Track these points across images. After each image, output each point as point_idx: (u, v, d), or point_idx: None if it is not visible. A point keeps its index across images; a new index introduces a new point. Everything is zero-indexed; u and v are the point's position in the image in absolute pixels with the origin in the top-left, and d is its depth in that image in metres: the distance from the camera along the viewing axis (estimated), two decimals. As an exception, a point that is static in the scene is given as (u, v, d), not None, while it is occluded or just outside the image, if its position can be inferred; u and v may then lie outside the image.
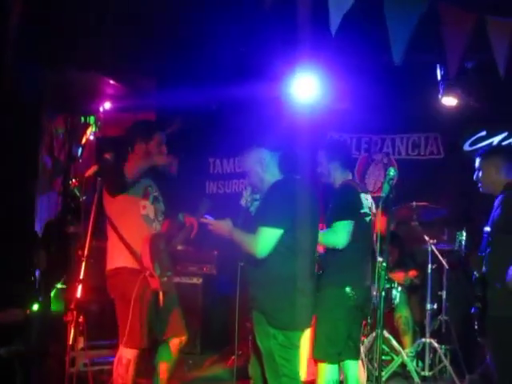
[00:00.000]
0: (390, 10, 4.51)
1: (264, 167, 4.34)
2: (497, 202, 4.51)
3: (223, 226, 4.22)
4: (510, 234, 4.32)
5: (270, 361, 4.10)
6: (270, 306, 4.11)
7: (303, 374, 5.94)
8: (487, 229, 4.53)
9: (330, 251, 4.60)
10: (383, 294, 4.31)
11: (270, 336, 4.08)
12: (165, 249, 4.74)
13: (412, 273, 6.99)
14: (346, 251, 4.55)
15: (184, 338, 4.84)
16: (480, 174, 4.67)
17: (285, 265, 4.11)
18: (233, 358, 6.22)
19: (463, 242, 6.07)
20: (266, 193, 4.29)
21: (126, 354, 4.60)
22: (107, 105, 8.71)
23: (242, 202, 4.73)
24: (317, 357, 4.64)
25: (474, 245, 5.20)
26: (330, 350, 4.59)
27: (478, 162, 4.71)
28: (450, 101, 7.00)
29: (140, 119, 6.51)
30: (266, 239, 4.06)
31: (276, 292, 4.10)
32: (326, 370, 4.58)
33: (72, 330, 4.12)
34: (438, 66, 6.87)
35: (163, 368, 4.81)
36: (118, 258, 4.67)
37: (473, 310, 4.55)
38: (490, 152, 4.83)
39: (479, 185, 4.71)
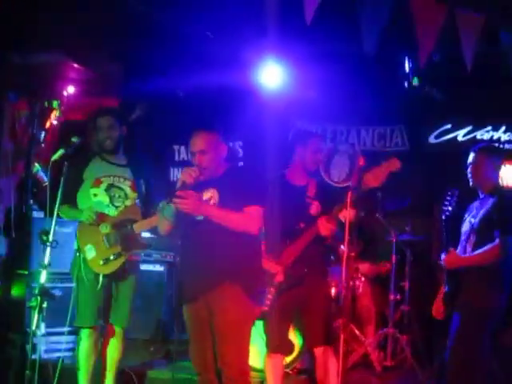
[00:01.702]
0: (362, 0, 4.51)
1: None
2: (491, 201, 4.67)
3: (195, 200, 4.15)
4: (505, 235, 4.48)
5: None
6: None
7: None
8: (472, 220, 4.67)
9: None
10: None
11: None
12: (110, 233, 4.99)
13: (386, 266, 7.00)
14: None
15: (122, 331, 5.15)
16: (476, 168, 4.78)
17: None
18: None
19: None
20: (238, 176, 4.33)
21: (80, 334, 5.07)
22: (71, 89, 8.58)
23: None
24: None
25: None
26: None
27: (476, 156, 4.81)
28: (417, 93, 7.04)
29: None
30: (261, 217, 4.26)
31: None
32: None
33: (36, 316, 4.04)
34: (406, 57, 6.91)
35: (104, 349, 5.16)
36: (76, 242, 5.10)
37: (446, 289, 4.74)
38: (492, 150, 5.01)
39: (472, 179, 4.81)
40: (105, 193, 5.11)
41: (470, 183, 4.85)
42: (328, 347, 4.87)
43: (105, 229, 5.01)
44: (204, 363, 4.32)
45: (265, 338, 5.07)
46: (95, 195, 5.10)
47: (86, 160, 5.17)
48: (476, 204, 4.88)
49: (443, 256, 4.72)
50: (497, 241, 4.52)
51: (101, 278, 4.97)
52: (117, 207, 5.12)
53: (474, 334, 4.62)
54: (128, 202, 5.14)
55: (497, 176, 4.83)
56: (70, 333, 5.30)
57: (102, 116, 5.15)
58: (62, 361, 5.12)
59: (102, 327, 5.13)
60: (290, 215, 4.83)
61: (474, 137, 7.54)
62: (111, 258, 4.98)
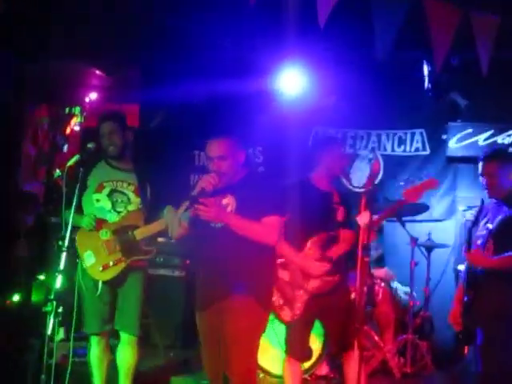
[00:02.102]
0: (377, 5, 4.49)
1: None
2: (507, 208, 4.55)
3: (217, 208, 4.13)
4: None
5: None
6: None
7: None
8: (489, 226, 4.60)
9: None
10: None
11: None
12: (110, 239, 4.96)
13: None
14: None
15: (133, 338, 5.05)
16: (493, 179, 4.61)
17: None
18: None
19: None
20: (256, 184, 4.30)
21: (90, 340, 5.08)
22: (93, 95, 8.66)
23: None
24: None
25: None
26: None
27: (491, 166, 4.64)
28: (436, 97, 7.00)
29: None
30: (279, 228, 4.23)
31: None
32: None
33: (51, 321, 4.07)
34: (424, 62, 6.88)
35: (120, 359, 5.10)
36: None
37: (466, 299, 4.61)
38: (506, 157, 4.78)
39: (489, 190, 4.66)
40: (107, 198, 5.06)
41: (488, 195, 4.71)
42: (353, 353, 4.83)
43: (105, 235, 4.97)
44: (215, 371, 4.33)
45: (284, 344, 5.04)
46: (98, 200, 5.05)
47: (90, 165, 5.10)
48: (490, 206, 4.76)
49: (467, 254, 4.58)
50: None
51: (100, 285, 4.94)
52: (119, 212, 5.05)
53: (505, 348, 4.46)
54: (131, 207, 5.07)
55: (510, 181, 4.65)
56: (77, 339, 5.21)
57: (103, 122, 5.09)
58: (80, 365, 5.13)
59: (110, 332, 5.13)
60: (318, 220, 4.82)
61: (495, 141, 7.47)
62: (110, 264, 4.95)
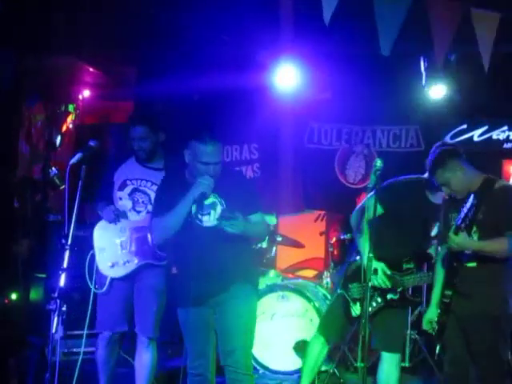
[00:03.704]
0: (379, 1, 4.51)
1: None
2: (471, 198, 4.16)
3: None
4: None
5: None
6: None
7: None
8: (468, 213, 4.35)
9: None
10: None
11: None
12: (126, 237, 4.89)
13: None
14: None
15: (149, 341, 4.94)
16: (449, 186, 4.30)
17: None
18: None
19: None
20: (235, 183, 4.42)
21: (98, 340, 4.98)
22: (86, 93, 8.64)
23: None
24: None
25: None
26: None
27: (438, 177, 4.31)
28: (434, 93, 7.02)
29: None
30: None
31: None
32: None
33: (55, 319, 4.06)
34: (421, 57, 6.89)
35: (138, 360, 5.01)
36: None
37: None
38: (444, 160, 4.34)
39: (455, 195, 4.34)
40: (128, 197, 4.96)
41: (458, 198, 4.35)
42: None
43: (122, 232, 4.91)
44: (206, 364, 4.39)
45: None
46: (120, 199, 4.97)
47: (119, 161, 5.03)
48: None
49: (453, 236, 4.19)
50: (506, 238, 4.19)
51: (107, 281, 4.87)
52: (139, 212, 4.95)
53: (499, 346, 4.30)
54: (151, 208, 4.84)
55: (470, 173, 4.34)
56: (89, 336, 5.19)
57: (134, 125, 4.93)
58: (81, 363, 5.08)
59: (122, 335, 5.05)
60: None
61: (490, 137, 7.50)
62: (120, 262, 4.88)
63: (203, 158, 4.22)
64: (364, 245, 4.70)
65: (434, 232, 4.78)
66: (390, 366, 4.87)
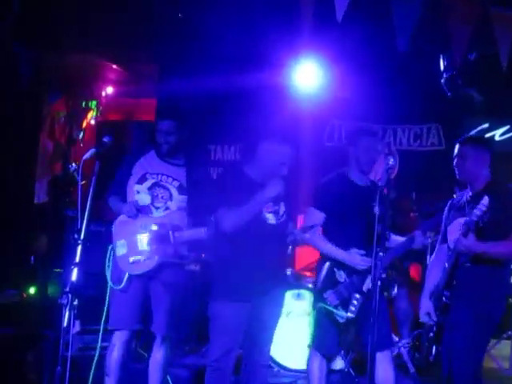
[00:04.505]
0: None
1: None
2: (486, 201, 4.15)
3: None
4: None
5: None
6: None
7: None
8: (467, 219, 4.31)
9: None
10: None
11: None
12: (147, 233, 4.75)
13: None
14: None
15: (160, 338, 4.86)
16: (465, 162, 4.38)
17: None
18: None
19: None
20: None
21: (113, 339, 4.82)
22: (110, 89, 8.70)
23: None
24: None
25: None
26: None
27: (464, 148, 4.43)
28: (453, 92, 6.97)
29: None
30: None
31: None
32: None
33: (67, 313, 4.08)
34: (441, 56, 6.84)
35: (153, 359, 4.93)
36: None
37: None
38: (482, 142, 4.59)
39: (457, 170, 4.43)
40: (147, 191, 4.83)
41: (458, 177, 4.47)
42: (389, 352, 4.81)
43: (143, 229, 4.78)
44: (231, 361, 4.47)
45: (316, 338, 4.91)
46: (138, 192, 4.84)
47: (139, 153, 4.94)
48: (465, 200, 4.50)
49: (462, 239, 4.21)
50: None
51: (125, 277, 4.74)
52: (157, 208, 4.83)
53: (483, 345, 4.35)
54: (171, 204, 4.84)
55: (486, 172, 4.40)
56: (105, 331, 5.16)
57: (162, 119, 4.88)
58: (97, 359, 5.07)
59: (136, 336, 5.05)
60: (356, 217, 4.66)
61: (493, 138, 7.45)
62: (141, 259, 4.75)
63: (281, 158, 4.38)
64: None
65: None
66: (388, 364, 4.69)
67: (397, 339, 6.48)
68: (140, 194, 4.84)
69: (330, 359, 4.94)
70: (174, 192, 4.85)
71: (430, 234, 4.91)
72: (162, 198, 4.85)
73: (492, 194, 4.20)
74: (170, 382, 5.16)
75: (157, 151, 4.92)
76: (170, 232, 4.71)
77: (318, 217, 4.68)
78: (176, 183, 4.86)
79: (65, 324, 4.08)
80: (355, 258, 4.59)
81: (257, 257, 4.35)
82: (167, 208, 4.84)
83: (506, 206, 4.24)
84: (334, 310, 4.61)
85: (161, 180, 4.86)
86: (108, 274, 4.83)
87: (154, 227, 4.73)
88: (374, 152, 4.81)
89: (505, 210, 4.23)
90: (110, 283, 4.81)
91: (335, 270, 4.66)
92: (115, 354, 4.81)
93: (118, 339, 4.81)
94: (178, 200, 4.85)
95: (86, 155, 4.36)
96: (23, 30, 6.03)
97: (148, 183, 4.85)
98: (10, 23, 5.67)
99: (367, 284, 4.58)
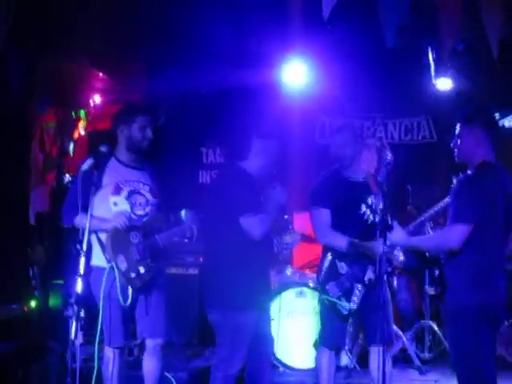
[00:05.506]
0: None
1: None
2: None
3: None
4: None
5: None
6: None
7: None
8: None
9: None
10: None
11: None
12: (139, 242, 4.64)
13: None
14: None
15: (159, 341, 4.74)
16: (459, 141, 4.13)
17: None
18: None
19: None
20: None
21: (107, 352, 4.65)
22: (97, 98, 8.64)
23: None
24: None
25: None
26: None
27: (458, 127, 4.15)
28: (443, 83, 6.99)
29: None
30: None
31: None
32: None
33: (73, 325, 4.06)
34: (429, 48, 6.86)
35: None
36: (93, 256, 4.66)
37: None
38: (473, 118, 4.13)
39: (455, 154, 4.16)
40: (125, 201, 4.68)
41: (456, 159, 4.19)
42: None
43: (135, 238, 4.67)
44: (241, 369, 4.50)
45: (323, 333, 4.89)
46: (115, 204, 4.66)
47: (103, 165, 4.67)
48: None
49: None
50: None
51: (130, 292, 4.55)
52: (138, 215, 4.70)
53: (466, 342, 3.94)
54: (149, 209, 4.75)
55: (481, 151, 4.06)
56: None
57: (142, 114, 4.80)
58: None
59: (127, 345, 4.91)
60: (354, 213, 4.60)
61: (503, 125, 7.45)
62: (141, 270, 4.58)
63: (277, 154, 4.51)
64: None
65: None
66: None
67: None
68: (118, 205, 4.67)
69: (337, 353, 4.92)
70: (149, 196, 4.78)
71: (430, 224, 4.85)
72: (140, 204, 4.75)
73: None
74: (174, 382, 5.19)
75: (116, 158, 4.80)
76: (156, 236, 4.68)
77: (325, 214, 4.71)
78: (147, 187, 4.79)
79: (72, 336, 4.08)
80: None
81: (266, 263, 4.54)
82: (146, 214, 4.75)
83: (458, 193, 4.01)
84: (337, 302, 4.64)
85: (135, 187, 4.76)
86: (119, 293, 4.52)
87: (143, 235, 4.66)
88: (348, 147, 5.02)
89: (456, 197, 4.01)
90: (121, 301, 4.54)
91: (337, 261, 4.69)
92: (111, 367, 4.65)
93: (112, 352, 4.65)
94: (153, 203, 4.78)
95: (84, 166, 4.34)
96: (14, 36, 5.96)
97: (125, 192, 4.71)
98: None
99: (368, 274, 4.63)
